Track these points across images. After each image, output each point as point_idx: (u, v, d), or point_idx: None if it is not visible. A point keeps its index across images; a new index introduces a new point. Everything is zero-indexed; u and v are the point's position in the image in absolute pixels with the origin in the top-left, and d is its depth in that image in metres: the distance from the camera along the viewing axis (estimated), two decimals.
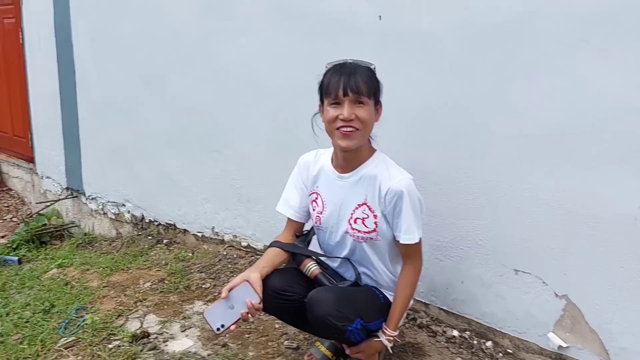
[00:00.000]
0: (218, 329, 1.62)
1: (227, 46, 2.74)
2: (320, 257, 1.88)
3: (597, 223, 1.71)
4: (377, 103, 1.73)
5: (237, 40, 2.68)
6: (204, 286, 2.70)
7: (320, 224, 1.86)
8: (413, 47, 2.04)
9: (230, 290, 1.66)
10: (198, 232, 3.17)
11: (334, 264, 1.89)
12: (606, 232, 1.70)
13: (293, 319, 1.88)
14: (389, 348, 1.75)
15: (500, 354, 1.99)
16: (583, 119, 1.69)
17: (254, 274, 1.70)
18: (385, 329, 1.74)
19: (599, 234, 1.71)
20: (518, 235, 1.89)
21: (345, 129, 1.64)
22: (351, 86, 1.61)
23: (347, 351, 1.80)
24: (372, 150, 1.79)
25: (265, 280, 1.72)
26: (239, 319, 1.63)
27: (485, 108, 1.90)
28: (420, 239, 1.73)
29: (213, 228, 3.07)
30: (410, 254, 1.76)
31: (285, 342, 2.15)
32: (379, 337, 1.75)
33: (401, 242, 1.72)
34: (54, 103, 4.01)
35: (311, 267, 1.82)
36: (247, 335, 2.23)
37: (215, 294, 2.61)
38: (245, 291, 1.65)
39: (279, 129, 2.58)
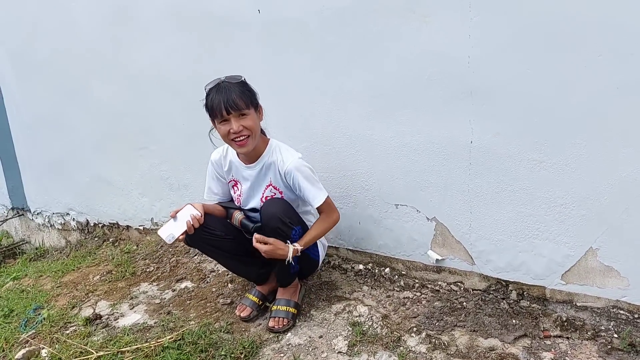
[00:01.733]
0: (169, 239, 2.05)
1: (139, 52, 3.01)
2: (243, 210, 2.26)
3: (445, 153, 2.11)
4: (257, 107, 2.08)
5: (145, 46, 2.95)
6: (148, 270, 2.99)
7: (240, 202, 2.25)
8: (289, 33, 2.39)
9: (177, 213, 2.08)
10: (139, 225, 3.44)
11: (252, 213, 2.25)
12: (453, 158, 2.10)
13: (214, 252, 2.26)
14: (290, 255, 2.02)
15: (397, 277, 2.39)
16: (420, 73, 2.08)
17: (197, 203, 2.13)
18: (295, 243, 2.06)
19: (448, 162, 2.12)
20: (393, 175, 2.28)
21: (238, 140, 2.01)
22: (231, 105, 1.96)
23: (254, 241, 2.05)
24: (267, 141, 2.17)
25: None
26: (185, 230, 2.04)
27: (349, 77, 2.27)
28: (328, 196, 2.11)
29: (152, 219, 3.36)
30: (324, 210, 2.14)
31: (221, 300, 2.47)
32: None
33: (314, 206, 2.11)
34: None
35: (237, 216, 2.22)
36: (188, 302, 2.54)
37: (159, 274, 2.91)
38: (188, 209, 2.09)
39: (192, 119, 2.86)
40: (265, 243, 2.02)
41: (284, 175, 2.11)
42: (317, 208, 2.12)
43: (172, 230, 2.05)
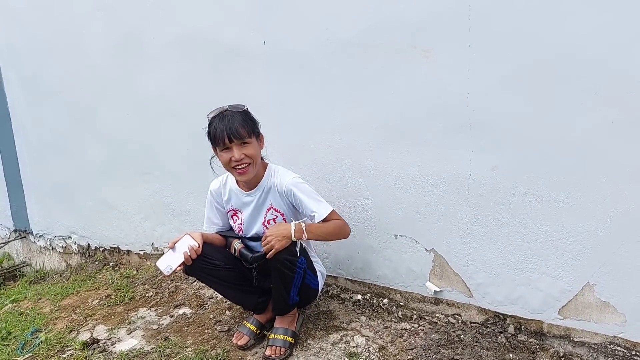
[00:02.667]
0: (167, 271, 2.05)
1: (146, 79, 3.08)
2: (243, 239, 2.28)
3: (444, 185, 2.14)
4: (258, 136, 2.13)
5: (152, 74, 3.03)
6: (147, 295, 2.99)
7: (242, 232, 2.27)
8: (293, 64, 2.45)
9: (175, 243, 2.09)
10: (140, 250, 3.46)
11: (252, 242, 2.27)
12: (452, 190, 2.12)
13: (212, 281, 2.26)
14: (293, 231, 2.00)
15: (394, 307, 2.39)
16: (420, 106, 2.12)
17: (196, 232, 2.13)
18: (302, 225, 2.04)
19: (447, 194, 2.14)
20: (392, 206, 2.30)
21: (239, 168, 2.05)
22: (233, 133, 2.01)
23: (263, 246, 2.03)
24: (266, 165, 2.21)
25: None
26: (183, 261, 2.05)
27: (351, 108, 2.32)
28: (333, 210, 2.12)
29: (153, 244, 3.38)
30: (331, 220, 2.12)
31: (218, 328, 2.47)
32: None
33: (318, 220, 2.09)
34: None
35: (236, 245, 2.23)
36: (185, 328, 2.54)
37: (158, 300, 2.92)
38: (186, 240, 2.09)
39: (196, 146, 2.91)
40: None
41: (284, 194, 2.13)
42: (323, 221, 2.10)
43: (170, 262, 2.06)
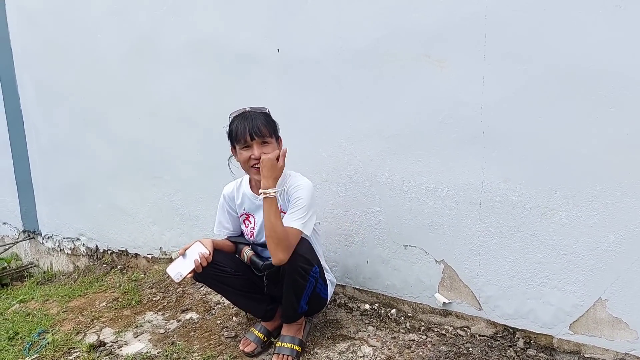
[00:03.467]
0: (178, 278, 2.04)
1: (158, 84, 3.10)
2: (254, 245, 2.26)
3: (456, 196, 2.13)
4: (278, 138, 2.13)
5: (165, 78, 3.05)
6: (154, 299, 2.99)
7: (254, 237, 2.25)
8: (306, 72, 2.46)
9: (185, 250, 2.08)
10: (148, 254, 3.46)
11: (262, 249, 2.25)
12: (464, 202, 2.11)
13: (222, 288, 2.25)
14: (270, 187, 1.96)
15: (403, 318, 2.37)
16: (433, 116, 2.12)
17: (207, 239, 2.13)
18: (277, 200, 2.00)
19: (458, 205, 2.13)
20: (402, 216, 2.29)
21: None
22: (255, 131, 2.02)
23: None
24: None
25: None
26: (193, 268, 2.04)
27: (363, 116, 2.32)
28: (301, 232, 2.00)
29: (161, 248, 3.38)
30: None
31: (225, 333, 2.46)
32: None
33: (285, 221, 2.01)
34: (5, 153, 4.26)
35: (247, 253, 2.22)
36: (192, 333, 2.54)
37: (165, 304, 2.91)
38: (197, 247, 2.09)
39: (207, 152, 2.94)
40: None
41: (291, 193, 2.09)
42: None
43: (180, 269, 2.05)
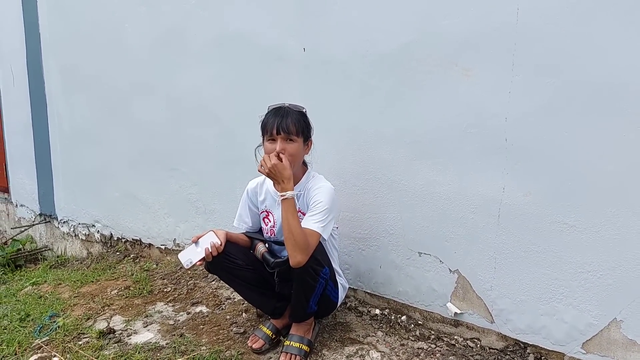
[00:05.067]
0: (187, 265, 2.09)
1: (181, 76, 3.12)
2: (269, 241, 2.27)
3: (474, 206, 2.11)
4: (307, 139, 2.13)
5: (189, 71, 3.06)
6: (165, 290, 3.01)
7: (274, 235, 2.26)
8: (331, 73, 2.46)
9: (198, 238, 2.11)
10: (161, 245, 3.49)
11: (276, 247, 2.27)
12: (482, 212, 2.10)
13: (233, 280, 2.26)
14: (286, 186, 1.97)
15: (413, 325, 2.36)
16: (456, 125, 2.10)
17: (221, 230, 2.14)
18: (295, 201, 2.00)
19: (476, 216, 2.11)
20: (419, 223, 2.28)
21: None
22: (283, 127, 2.03)
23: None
24: (305, 170, 2.21)
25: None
26: (204, 257, 2.08)
27: (385, 121, 2.31)
28: (320, 235, 1.99)
29: (174, 240, 3.40)
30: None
31: (234, 329, 2.47)
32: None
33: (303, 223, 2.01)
34: (27, 135, 4.32)
35: (260, 249, 2.23)
36: (201, 326, 2.55)
37: (176, 295, 2.93)
38: (210, 236, 2.12)
39: (226, 147, 2.95)
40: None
41: (311, 194, 2.09)
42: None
43: (191, 256, 2.09)
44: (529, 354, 2.07)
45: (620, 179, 1.79)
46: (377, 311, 2.47)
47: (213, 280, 2.97)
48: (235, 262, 2.17)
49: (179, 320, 2.62)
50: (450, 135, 2.13)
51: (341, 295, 2.28)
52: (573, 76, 1.83)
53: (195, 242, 2.12)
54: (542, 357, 2.05)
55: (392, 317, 2.42)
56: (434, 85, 2.14)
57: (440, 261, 2.24)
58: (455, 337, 2.25)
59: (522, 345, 2.10)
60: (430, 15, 2.11)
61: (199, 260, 2.09)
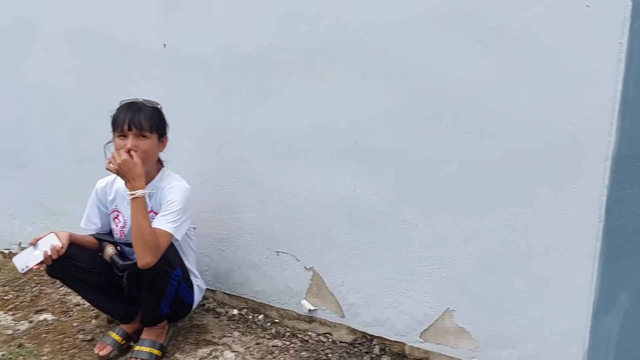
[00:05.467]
0: (23, 269, 1.91)
1: (31, 68, 2.89)
2: (120, 243, 2.16)
3: (328, 206, 2.20)
4: (162, 136, 2.07)
5: (38, 63, 2.85)
6: (6, 297, 2.74)
7: (124, 235, 2.15)
8: (191, 70, 2.43)
9: (37, 240, 1.94)
10: (5, 249, 3.17)
11: (127, 249, 2.16)
12: (334, 213, 2.19)
13: (77, 284, 2.13)
14: (136, 185, 1.91)
15: (269, 324, 2.39)
16: (313, 127, 2.19)
17: (63, 232, 1.99)
18: (147, 200, 1.95)
19: (330, 215, 2.21)
20: (277, 222, 2.32)
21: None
22: (134, 122, 1.95)
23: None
24: (160, 168, 2.14)
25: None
26: (42, 260, 1.91)
27: (247, 121, 2.33)
28: (171, 235, 1.96)
29: (20, 244, 3.11)
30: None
31: (81, 336, 2.32)
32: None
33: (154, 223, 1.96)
34: None
35: (109, 251, 2.11)
36: (44, 335, 2.35)
37: (17, 303, 2.68)
38: (50, 238, 1.96)
39: (78, 144, 2.78)
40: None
41: (165, 193, 2.03)
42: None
43: (28, 260, 1.93)
44: (374, 345, 2.20)
45: (454, 181, 1.97)
46: (235, 311, 2.47)
47: (61, 287, 2.76)
48: (79, 265, 2.04)
49: (19, 330, 2.40)
50: (308, 137, 2.20)
51: (197, 297, 2.24)
52: (416, 85, 1.99)
53: (34, 244, 1.95)
54: (387, 348, 2.18)
55: (250, 317, 2.44)
56: (293, 88, 2.21)
57: (297, 259, 2.30)
58: (309, 333, 2.32)
59: (369, 337, 2.22)
60: (289, 20, 2.18)
61: (37, 264, 1.93)
